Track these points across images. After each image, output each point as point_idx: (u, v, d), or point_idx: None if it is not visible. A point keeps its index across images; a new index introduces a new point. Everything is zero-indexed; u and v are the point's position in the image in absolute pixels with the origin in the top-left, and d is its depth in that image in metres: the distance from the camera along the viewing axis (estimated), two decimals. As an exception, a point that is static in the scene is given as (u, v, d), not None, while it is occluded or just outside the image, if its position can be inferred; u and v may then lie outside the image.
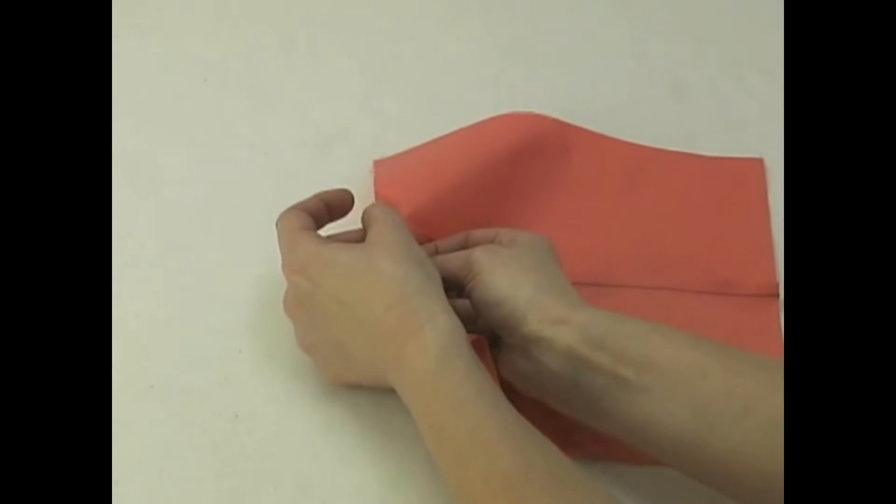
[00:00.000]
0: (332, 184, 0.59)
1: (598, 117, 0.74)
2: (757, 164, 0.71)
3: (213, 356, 0.60)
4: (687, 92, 0.76)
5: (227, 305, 0.62)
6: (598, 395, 0.52)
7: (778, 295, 0.64)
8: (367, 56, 0.77)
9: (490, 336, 0.56)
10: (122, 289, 0.61)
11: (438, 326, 0.49)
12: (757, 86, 0.77)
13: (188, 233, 0.65)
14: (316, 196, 0.57)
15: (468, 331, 0.51)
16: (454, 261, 0.56)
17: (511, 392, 0.53)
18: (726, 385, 0.49)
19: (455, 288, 0.55)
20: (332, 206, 0.57)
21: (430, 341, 0.49)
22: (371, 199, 0.65)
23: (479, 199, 0.65)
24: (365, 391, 0.58)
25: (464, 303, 0.55)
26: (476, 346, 0.51)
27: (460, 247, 0.58)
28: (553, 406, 0.54)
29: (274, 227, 0.56)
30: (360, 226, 0.56)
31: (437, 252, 0.58)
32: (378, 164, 0.68)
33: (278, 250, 0.55)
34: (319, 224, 0.56)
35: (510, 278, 0.54)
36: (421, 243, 0.55)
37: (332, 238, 0.56)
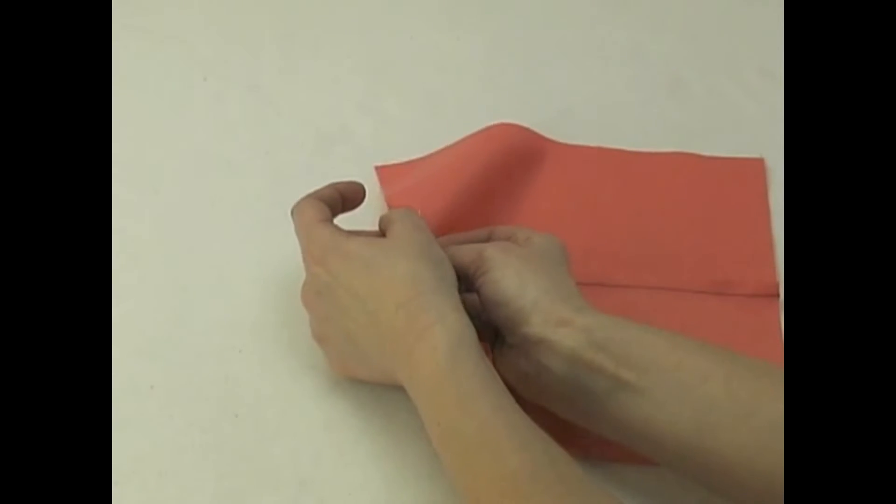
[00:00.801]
0: (333, 183, 0.59)
1: (598, 117, 0.74)
2: (757, 164, 0.71)
3: (213, 356, 0.60)
4: (687, 92, 0.76)
5: (227, 305, 0.62)
6: (599, 397, 0.52)
7: (778, 295, 0.64)
8: (367, 56, 0.77)
9: (493, 334, 0.56)
10: (122, 289, 0.61)
11: (448, 325, 0.49)
12: (757, 86, 0.77)
13: (188, 233, 0.65)
14: (330, 185, 0.57)
15: (473, 324, 0.51)
16: (468, 253, 0.56)
17: (511, 392, 0.53)
18: (728, 389, 0.49)
19: (465, 281, 0.55)
20: (346, 196, 0.57)
21: (440, 340, 0.49)
22: (372, 199, 0.65)
23: (481, 207, 0.65)
24: (366, 390, 0.58)
25: (472, 296, 0.55)
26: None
27: (485, 240, 0.59)
28: (550, 408, 0.54)
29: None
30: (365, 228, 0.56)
31: (456, 243, 0.58)
32: (382, 174, 0.68)
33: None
34: (333, 214, 0.56)
35: (518, 278, 0.54)
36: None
37: (352, 233, 0.56)
